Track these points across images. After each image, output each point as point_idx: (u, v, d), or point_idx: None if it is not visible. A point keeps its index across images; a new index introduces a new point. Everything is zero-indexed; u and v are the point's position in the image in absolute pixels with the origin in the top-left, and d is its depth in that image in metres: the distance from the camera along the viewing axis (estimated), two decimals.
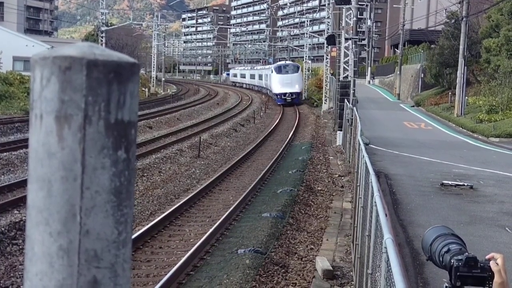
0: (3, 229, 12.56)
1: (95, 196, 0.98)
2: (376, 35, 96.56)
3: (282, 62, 67.92)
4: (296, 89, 60.19)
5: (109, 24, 62.68)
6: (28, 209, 1.01)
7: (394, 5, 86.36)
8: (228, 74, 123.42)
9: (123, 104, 0.98)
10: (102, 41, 55.95)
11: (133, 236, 12.23)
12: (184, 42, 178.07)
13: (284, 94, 59.80)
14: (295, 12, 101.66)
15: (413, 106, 52.97)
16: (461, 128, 37.25)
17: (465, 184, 17.74)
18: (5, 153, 20.70)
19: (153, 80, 77.76)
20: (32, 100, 0.98)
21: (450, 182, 17.84)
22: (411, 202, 15.62)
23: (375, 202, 6.27)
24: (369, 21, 68.72)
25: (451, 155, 24.90)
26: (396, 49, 77.52)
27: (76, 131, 0.96)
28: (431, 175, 19.63)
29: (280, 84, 60.02)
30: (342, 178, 20.84)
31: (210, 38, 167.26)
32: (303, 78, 65.11)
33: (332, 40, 37.99)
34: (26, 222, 1.03)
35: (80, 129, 0.96)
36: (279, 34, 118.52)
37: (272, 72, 63.33)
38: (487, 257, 2.60)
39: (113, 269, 1.01)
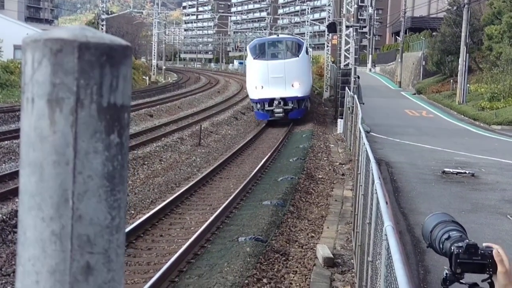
0: (4, 217, 12.57)
1: (87, 180, 0.97)
2: (377, 23, 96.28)
3: (267, 38, 39.07)
4: (294, 90, 31.84)
5: (109, 12, 62.51)
6: (20, 194, 1.00)
7: None
8: (241, 63, 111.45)
9: (116, 87, 0.97)
10: (102, 29, 55.80)
11: (134, 224, 12.25)
12: (185, 30, 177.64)
13: (270, 101, 31.70)
14: (295, 0, 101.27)
15: (415, 94, 52.88)
16: (462, 116, 37.19)
17: (467, 172, 17.73)
18: (6, 142, 20.70)
19: (154, 68, 77.61)
20: (23, 83, 0.97)
21: (451, 170, 17.83)
22: (412, 190, 15.62)
23: (375, 189, 6.27)
24: (370, 8, 68.50)
25: (452, 142, 24.87)
26: (397, 37, 77.32)
27: (68, 115, 0.95)
28: (432, 162, 19.62)
29: (261, 81, 31.60)
30: (343, 166, 20.83)
31: (211, 26, 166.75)
32: (310, 67, 38.97)
33: (333, 28, 37.86)
34: (18, 207, 1.02)
35: (72, 112, 0.94)
36: (280, 22, 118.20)
37: (248, 56, 33.66)
38: (484, 244, 2.59)
39: (107, 255, 1.00)
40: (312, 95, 41.40)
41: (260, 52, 32.25)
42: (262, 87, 31.58)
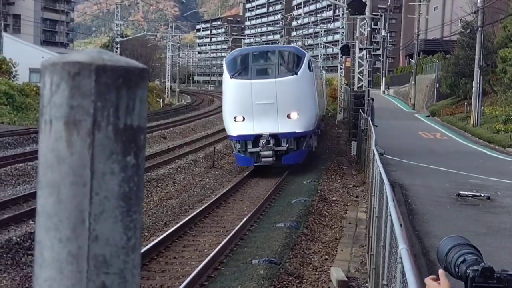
0: (18, 239, 12.61)
1: (104, 201, 0.98)
2: (391, 45, 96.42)
3: (252, 47, 28.19)
4: (291, 124, 23.17)
5: (123, 35, 63.09)
6: (38, 215, 1.01)
7: (408, 15, 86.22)
8: None
9: (132, 109, 0.98)
10: (116, 52, 56.28)
11: (148, 247, 12.24)
12: (199, 52, 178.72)
13: (255, 139, 22.95)
14: (309, 23, 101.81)
15: (428, 116, 52.75)
16: (477, 138, 37.01)
17: (482, 194, 17.60)
18: (21, 164, 20.82)
19: (168, 90, 78.03)
20: (41, 106, 0.98)
21: (466, 193, 17.71)
22: (427, 213, 15.52)
23: (389, 212, 6.24)
24: (383, 31, 68.69)
25: (467, 165, 24.73)
26: (410, 59, 77.36)
27: (85, 137, 0.96)
28: (447, 185, 19.51)
29: (242, 109, 23.06)
30: (357, 188, 20.76)
31: (225, 48, 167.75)
32: (319, 88, 29.62)
33: (346, 50, 37.96)
34: (35, 228, 1.03)
35: (89, 134, 0.96)
36: (293, 44, 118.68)
37: (224, 74, 24.01)
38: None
39: (122, 275, 1.01)
40: (325, 123, 35.51)
41: (242, 67, 22.56)
42: (244, 118, 22.37)
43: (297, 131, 22.82)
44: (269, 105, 22.36)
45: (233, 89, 22.76)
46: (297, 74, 22.74)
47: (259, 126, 22.38)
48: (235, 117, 22.70)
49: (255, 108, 22.29)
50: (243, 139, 22.70)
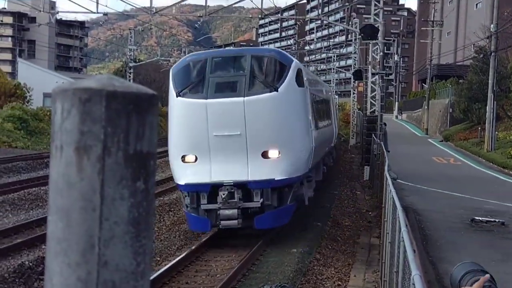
0: (31, 264, 12.62)
1: (113, 227, 0.98)
2: (403, 70, 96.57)
3: (208, 52, 19.24)
4: (269, 167, 14.96)
5: (137, 60, 63.55)
6: (48, 240, 1.01)
7: (421, 40, 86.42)
8: None
9: (142, 135, 0.99)
10: (130, 76, 56.68)
11: (160, 271, 12.20)
12: None
13: (211, 191, 14.83)
14: (322, 48, 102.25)
15: (442, 141, 52.58)
16: (491, 164, 36.80)
17: (497, 220, 17.45)
18: (34, 188, 20.92)
19: None
20: (53, 132, 0.99)
21: (480, 218, 17.57)
22: (440, 238, 15.40)
23: (402, 237, 6.19)
24: (396, 56, 68.82)
25: (481, 190, 24.56)
26: (423, 84, 77.35)
27: (95, 162, 0.97)
28: (461, 211, 19.37)
29: (193, 144, 14.99)
30: (370, 213, 20.66)
31: None
32: (310, 109, 17.53)
33: (359, 75, 38.03)
34: (46, 253, 1.03)
35: (99, 160, 0.97)
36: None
37: (170, 91, 15.45)
38: None
39: None
40: (337, 151, 32.18)
41: (195, 80, 15.21)
42: (196, 158, 14.98)
43: (277, 178, 14.84)
44: (234, 138, 14.64)
45: (180, 113, 14.98)
46: (277, 91, 14.85)
47: (219, 170, 14.70)
48: (183, 157, 14.98)
49: (213, 143, 14.65)
50: (194, 190, 14.90)
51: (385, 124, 29.72)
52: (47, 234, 1.02)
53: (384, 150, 19.83)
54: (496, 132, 41.72)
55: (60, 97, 0.98)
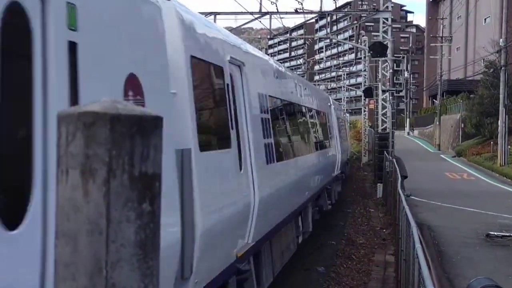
0: None
1: (120, 249, 0.98)
2: (414, 86, 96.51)
3: None
4: None
5: None
6: (55, 264, 1.02)
7: (430, 56, 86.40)
8: None
9: (147, 157, 1.00)
10: None
11: None
12: None
13: None
14: (331, 66, 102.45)
15: (454, 157, 52.36)
16: (505, 178, 36.56)
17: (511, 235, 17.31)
18: None
19: None
20: (58, 156, 1.00)
21: (496, 233, 17.42)
22: (456, 254, 15.27)
23: (417, 254, 6.15)
24: (406, 72, 68.83)
25: (495, 205, 24.37)
26: (434, 100, 77.24)
27: (100, 185, 0.97)
28: (475, 226, 19.22)
29: None
30: (384, 230, 20.53)
31: None
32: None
33: (369, 92, 38.04)
34: (54, 277, 1.04)
35: (105, 183, 0.97)
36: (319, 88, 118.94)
37: None
38: None
39: None
40: (350, 167, 29.66)
41: None
42: None
43: None
44: None
45: None
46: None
47: None
48: None
49: None
50: None
51: (398, 158, 28.45)
52: (55, 258, 1.02)
53: (400, 176, 19.58)
54: (509, 146, 41.51)
55: (65, 122, 0.99)
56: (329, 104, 22.94)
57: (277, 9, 32.26)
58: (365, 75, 56.48)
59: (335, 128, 23.83)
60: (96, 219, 0.98)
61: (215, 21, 28.06)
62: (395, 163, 23.42)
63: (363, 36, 52.82)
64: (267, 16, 30.44)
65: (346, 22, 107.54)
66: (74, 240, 0.98)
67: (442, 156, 54.90)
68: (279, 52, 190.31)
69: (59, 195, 1.00)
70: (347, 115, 58.51)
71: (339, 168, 21.79)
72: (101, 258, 0.98)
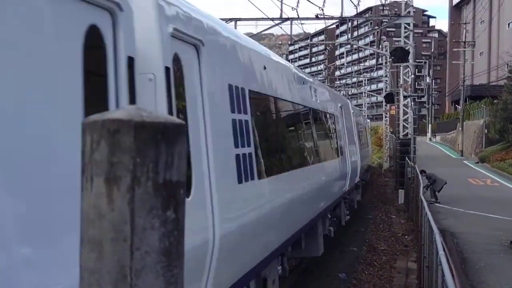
0: None
1: (145, 256, 0.99)
2: (436, 92, 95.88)
3: None
4: None
5: None
6: (81, 271, 1.02)
7: (453, 61, 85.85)
8: None
9: (171, 164, 1.00)
10: None
11: None
12: None
13: None
14: (352, 72, 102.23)
15: (478, 163, 51.87)
16: None
17: None
18: None
19: None
20: (82, 163, 1.00)
21: None
22: (479, 261, 15.11)
23: (440, 261, 6.10)
24: (428, 78, 68.42)
25: None
26: (457, 105, 76.69)
27: (125, 193, 0.97)
28: (499, 233, 19.01)
29: None
30: (406, 237, 20.40)
31: None
32: None
33: (390, 98, 37.87)
34: (79, 284, 1.04)
35: (129, 190, 0.97)
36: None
37: None
38: None
39: None
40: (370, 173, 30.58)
41: None
42: None
43: None
44: None
45: None
46: None
47: None
48: None
49: None
50: None
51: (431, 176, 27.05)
52: (80, 265, 1.02)
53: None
54: None
55: (89, 129, 0.99)
56: (340, 105, 18.88)
57: (297, 15, 32.18)
58: (386, 80, 56.25)
59: (351, 133, 21.31)
60: (120, 226, 0.98)
61: (235, 27, 28.12)
62: (435, 177, 23.35)
63: (384, 41, 52.61)
64: (288, 22, 30.43)
65: (367, 27, 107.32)
66: (99, 247, 0.98)
67: (465, 162, 54.42)
68: (299, 58, 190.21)
69: (84, 202, 1.00)
70: (368, 120, 58.06)
71: (348, 184, 18.19)
72: (125, 265, 0.98)
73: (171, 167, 1.00)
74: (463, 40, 71.03)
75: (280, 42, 67.51)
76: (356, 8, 34.41)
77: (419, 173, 24.07)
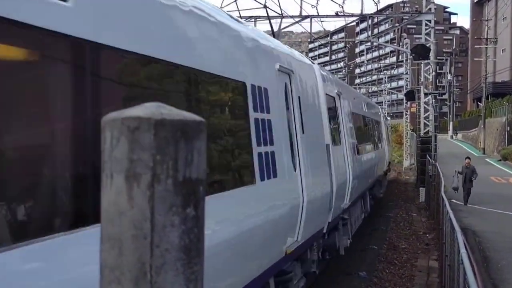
0: None
1: (165, 254, 0.99)
2: (457, 89, 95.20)
3: None
4: None
5: None
6: (101, 267, 1.02)
7: (475, 58, 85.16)
8: None
9: (191, 161, 1.00)
10: None
11: None
12: None
13: None
14: (372, 69, 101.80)
15: (500, 160, 51.44)
16: None
17: None
18: None
19: None
20: (103, 161, 1.00)
21: None
22: (501, 260, 14.99)
23: (462, 259, 6.06)
24: (449, 75, 67.92)
25: None
26: (479, 103, 76.09)
27: (145, 190, 0.97)
28: None
29: None
30: (427, 235, 20.28)
31: None
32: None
33: (411, 95, 37.61)
34: (99, 281, 1.04)
35: (149, 187, 0.97)
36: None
37: None
38: None
39: None
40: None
41: None
42: None
43: None
44: None
45: None
46: None
47: None
48: None
49: None
50: None
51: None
52: (100, 262, 1.03)
53: (440, 171, 19.33)
54: None
55: (109, 126, 1.00)
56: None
57: (317, 12, 32.12)
58: (407, 78, 55.93)
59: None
60: (140, 224, 0.98)
61: (255, 25, 28.08)
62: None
63: (405, 38, 52.30)
64: (308, 20, 30.35)
65: (387, 24, 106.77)
66: (119, 244, 0.99)
67: (487, 160, 53.98)
68: (319, 56, 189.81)
69: (104, 199, 1.00)
70: (389, 118, 57.85)
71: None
72: (145, 262, 0.98)
73: (191, 164, 1.00)
74: (485, 37, 70.45)
75: (299, 40, 67.47)
76: (377, 5, 34.25)
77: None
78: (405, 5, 62.29)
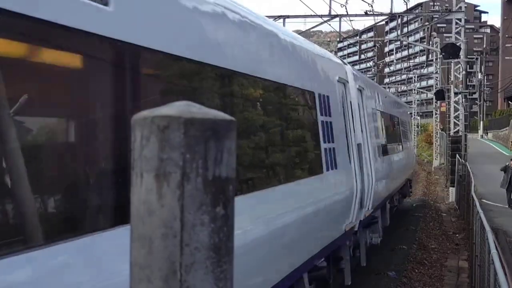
0: None
1: (194, 252, 0.99)
2: (488, 88, 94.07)
3: None
4: None
5: None
6: (131, 266, 1.03)
7: (506, 57, 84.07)
8: None
9: (221, 160, 1.00)
10: None
11: None
12: None
13: None
14: (402, 69, 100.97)
15: None
16: None
17: None
18: None
19: None
20: (132, 159, 1.01)
21: None
22: None
23: (492, 260, 5.99)
24: (479, 74, 67.17)
25: None
26: (510, 102, 75.15)
27: (175, 189, 0.98)
28: None
29: None
30: (457, 235, 20.09)
31: None
32: None
33: (441, 95, 37.27)
34: (129, 279, 1.05)
35: (179, 186, 0.98)
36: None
37: None
38: None
39: None
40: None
41: None
42: None
43: None
44: None
45: None
46: None
47: None
48: None
49: None
50: None
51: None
52: (130, 260, 1.03)
53: (470, 171, 19.15)
54: None
55: (139, 125, 1.00)
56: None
57: (346, 11, 31.95)
58: (437, 77, 55.41)
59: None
60: (170, 223, 0.98)
61: (284, 24, 28.05)
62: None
63: (435, 37, 51.84)
64: (337, 19, 30.22)
65: (417, 23, 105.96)
66: (149, 242, 0.99)
67: None
68: (348, 55, 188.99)
69: (134, 198, 1.01)
70: (418, 118, 57.28)
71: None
72: (175, 261, 0.98)
73: (221, 163, 1.00)
74: None
75: (328, 39, 67.23)
76: (406, 4, 34.02)
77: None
78: (435, 3, 61.71)
